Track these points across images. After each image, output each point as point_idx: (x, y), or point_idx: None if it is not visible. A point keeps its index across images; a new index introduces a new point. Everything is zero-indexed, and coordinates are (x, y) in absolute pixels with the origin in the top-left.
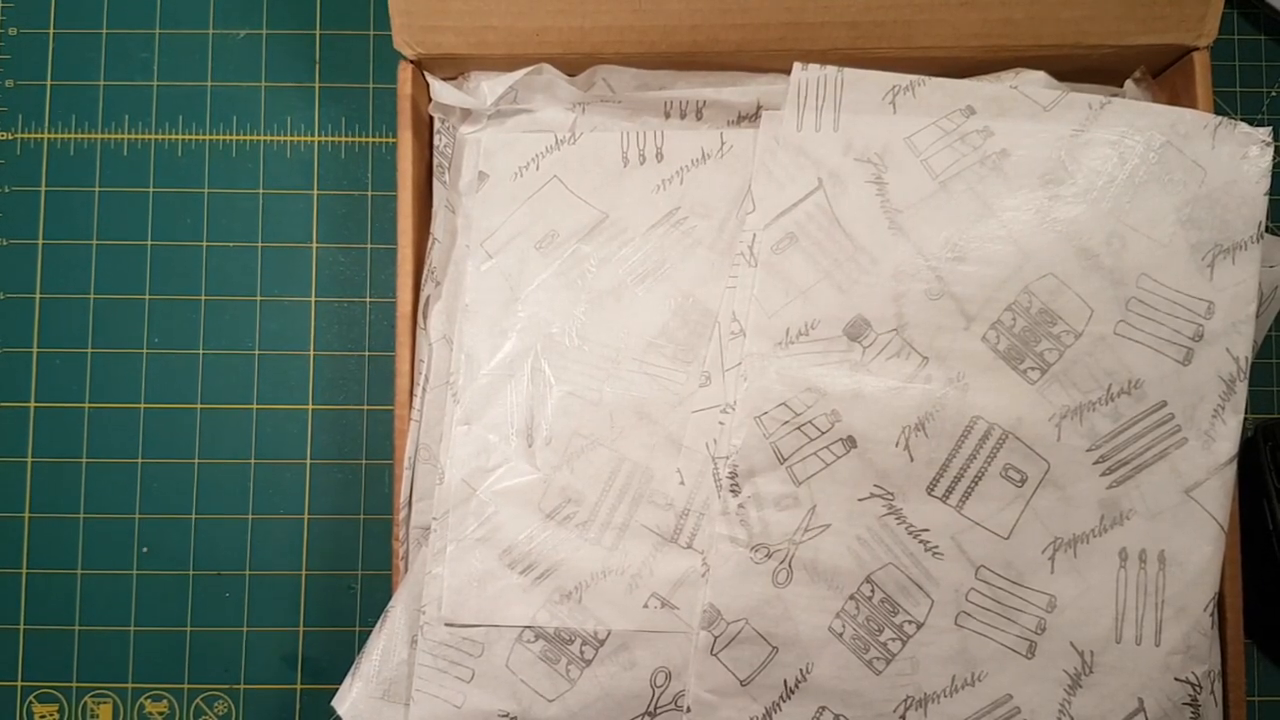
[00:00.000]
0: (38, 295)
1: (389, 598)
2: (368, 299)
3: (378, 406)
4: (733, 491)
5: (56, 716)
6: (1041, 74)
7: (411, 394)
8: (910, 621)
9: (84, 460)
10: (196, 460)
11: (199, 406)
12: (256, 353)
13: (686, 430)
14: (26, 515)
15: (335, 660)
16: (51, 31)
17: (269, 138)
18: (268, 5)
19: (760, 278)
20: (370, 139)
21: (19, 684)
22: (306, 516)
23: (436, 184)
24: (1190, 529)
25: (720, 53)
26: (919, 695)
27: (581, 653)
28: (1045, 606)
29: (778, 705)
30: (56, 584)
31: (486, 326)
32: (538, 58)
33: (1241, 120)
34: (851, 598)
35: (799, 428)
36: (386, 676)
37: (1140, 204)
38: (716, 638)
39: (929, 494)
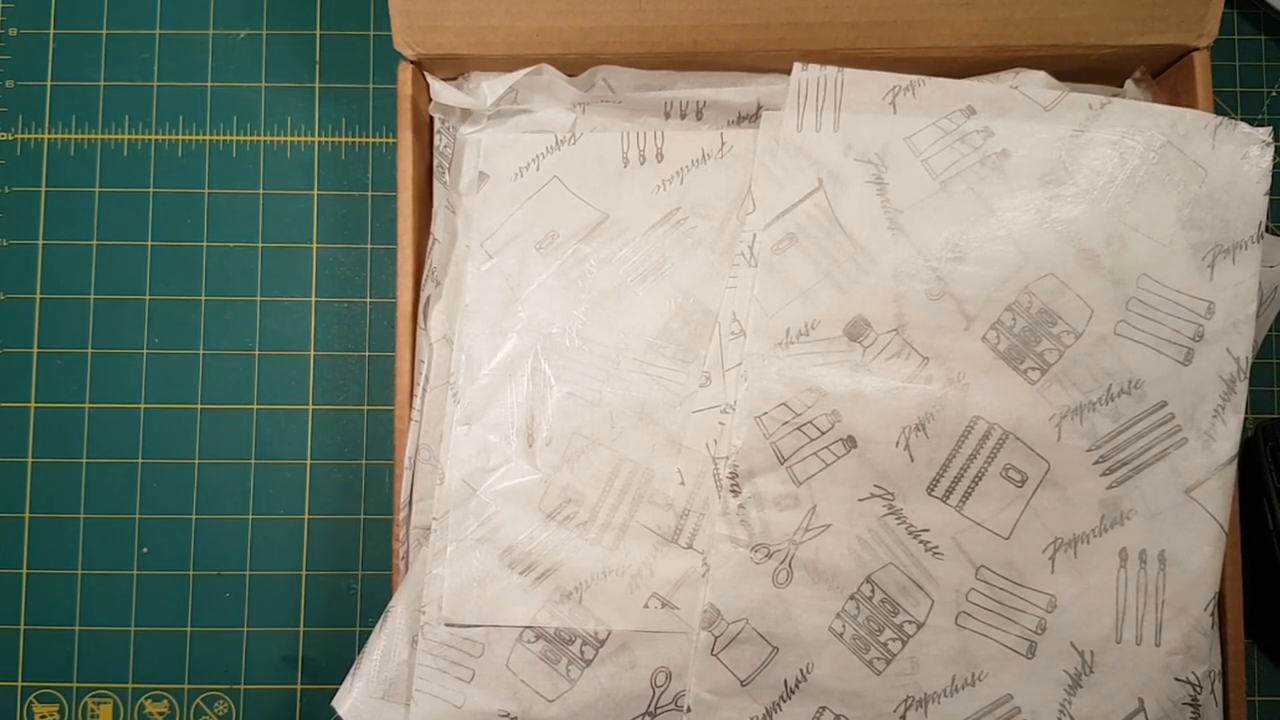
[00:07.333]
0: (38, 295)
1: (389, 598)
2: (368, 299)
3: (378, 407)
4: (733, 492)
5: (57, 717)
6: (1041, 74)
7: (412, 394)
8: (910, 622)
9: (84, 460)
10: (197, 460)
11: (199, 407)
12: (257, 353)
13: (687, 430)
14: (27, 515)
15: (335, 660)
16: (51, 31)
17: (269, 138)
18: (268, 5)
19: (760, 278)
20: (370, 139)
21: (19, 684)
22: (306, 516)
23: (436, 184)
24: (1190, 529)
25: (720, 53)
26: (919, 695)
27: (582, 653)
28: (1045, 606)
29: (778, 705)
30: (57, 584)
31: (486, 327)
32: (538, 58)
33: (1242, 120)
34: (852, 598)
35: (799, 428)
36: (387, 677)
37: (1140, 204)
38: (717, 638)
39: (929, 494)
